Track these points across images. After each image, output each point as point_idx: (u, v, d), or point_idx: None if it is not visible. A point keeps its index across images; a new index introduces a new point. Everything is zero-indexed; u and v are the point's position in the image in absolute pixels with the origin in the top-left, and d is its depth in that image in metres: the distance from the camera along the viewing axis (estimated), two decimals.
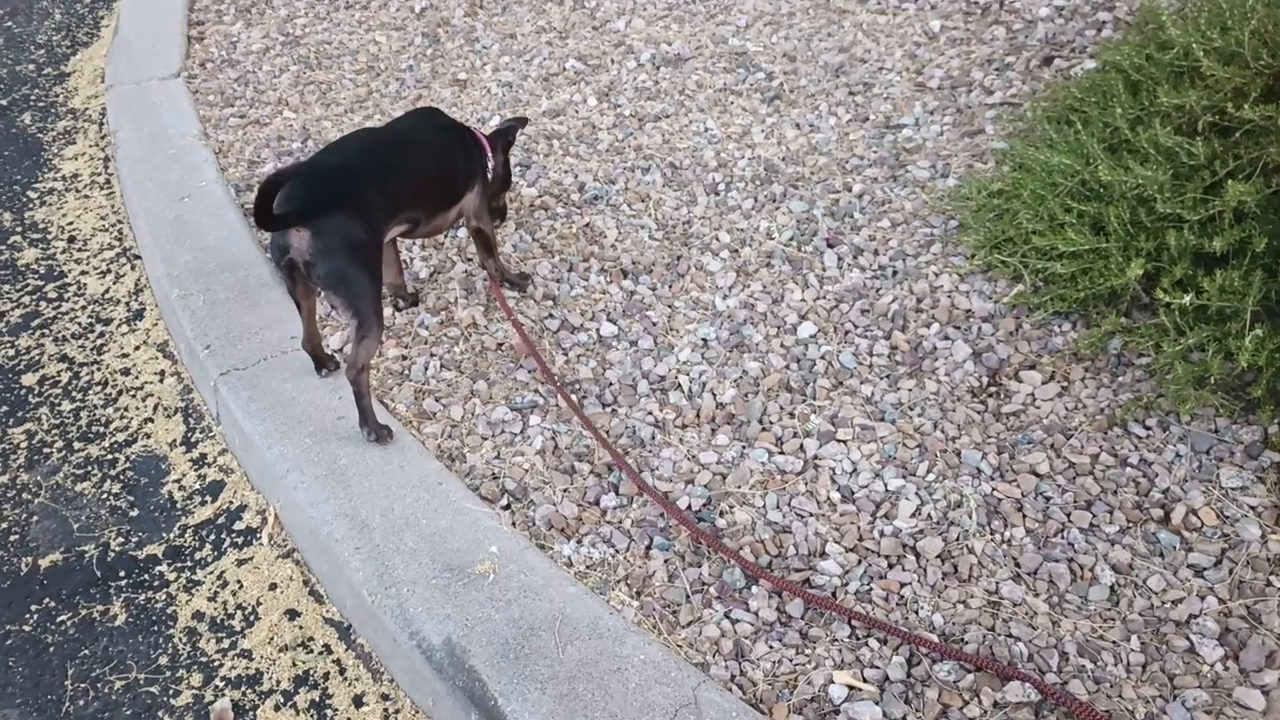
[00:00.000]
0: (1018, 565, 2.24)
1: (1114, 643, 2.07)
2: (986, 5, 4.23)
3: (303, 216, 2.40)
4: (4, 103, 4.86)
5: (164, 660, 2.37)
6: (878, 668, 2.07)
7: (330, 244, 2.41)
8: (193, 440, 2.96)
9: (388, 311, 3.11)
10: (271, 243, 2.50)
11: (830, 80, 4.01)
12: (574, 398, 2.75)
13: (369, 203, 2.51)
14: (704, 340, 2.91)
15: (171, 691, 2.30)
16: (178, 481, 2.83)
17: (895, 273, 3.05)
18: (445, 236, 3.41)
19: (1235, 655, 2.02)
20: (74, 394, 3.15)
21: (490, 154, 3.02)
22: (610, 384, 2.81)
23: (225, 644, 2.40)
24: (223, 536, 2.66)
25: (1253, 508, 2.27)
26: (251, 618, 2.46)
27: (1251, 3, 2.77)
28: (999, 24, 4.10)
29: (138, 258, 3.71)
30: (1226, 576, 2.15)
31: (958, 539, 2.31)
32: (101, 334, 3.39)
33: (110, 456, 2.92)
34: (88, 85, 4.96)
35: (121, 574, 2.59)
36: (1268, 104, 2.54)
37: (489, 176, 3.02)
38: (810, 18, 4.46)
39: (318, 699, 2.27)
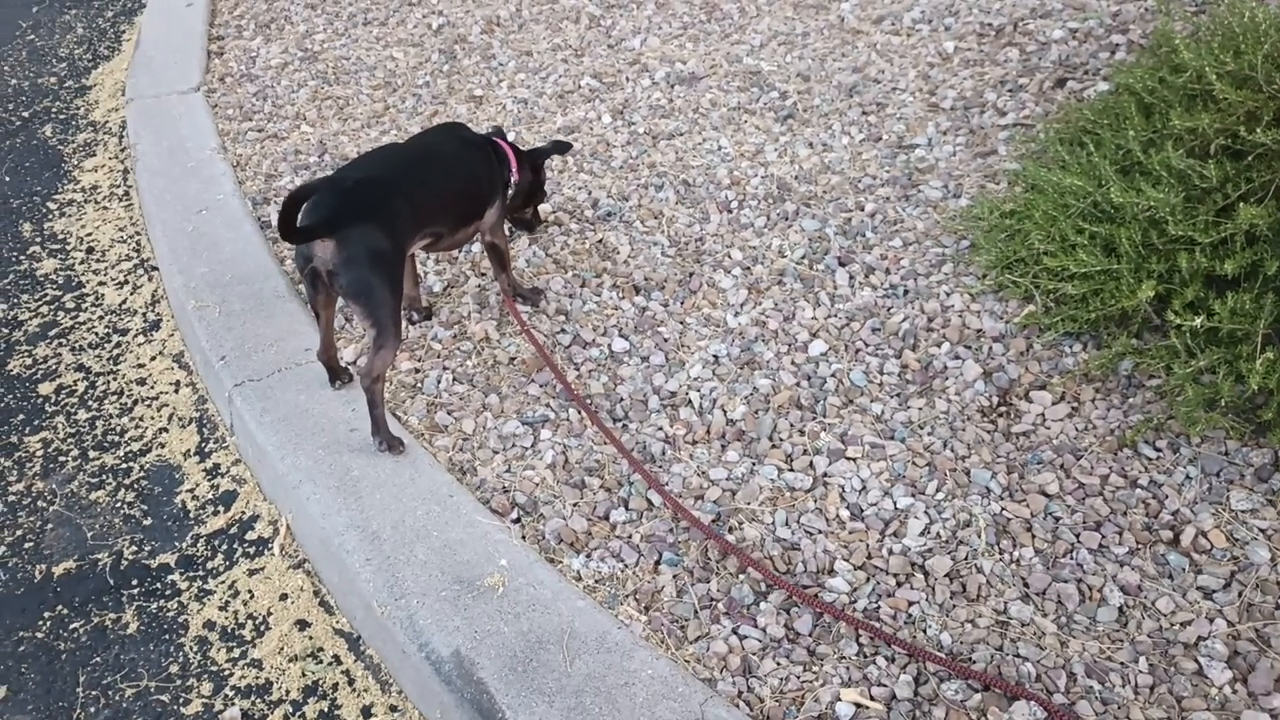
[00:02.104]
0: (1026, 585, 2.24)
1: (1122, 664, 2.06)
2: (1000, 27, 4.25)
3: (328, 228, 2.44)
4: (26, 115, 4.92)
5: (175, 669, 2.39)
6: (885, 686, 2.08)
7: (354, 254, 2.44)
8: (207, 450, 2.98)
9: (402, 324, 3.13)
10: (296, 252, 2.53)
11: (843, 100, 4.03)
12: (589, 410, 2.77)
13: (393, 215, 2.54)
14: (715, 357, 2.93)
15: (182, 700, 2.32)
16: (191, 491, 2.85)
17: (906, 292, 3.06)
18: (460, 251, 3.43)
19: (1244, 678, 2.02)
20: (90, 403, 3.18)
21: (515, 167, 3.04)
22: (621, 399, 2.82)
23: (235, 653, 2.41)
24: (234, 546, 2.68)
25: (1262, 530, 2.27)
26: (262, 628, 2.47)
27: (1265, 27, 2.78)
28: (1013, 46, 4.12)
29: (155, 269, 3.75)
30: (1235, 599, 2.15)
31: (966, 558, 2.31)
32: (118, 344, 3.42)
33: (125, 465, 2.95)
34: (108, 98, 5.02)
35: (134, 582, 2.61)
36: None
37: (510, 191, 3.04)
38: (824, 38, 4.49)
39: (326, 709, 2.28)
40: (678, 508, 2.44)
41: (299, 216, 2.39)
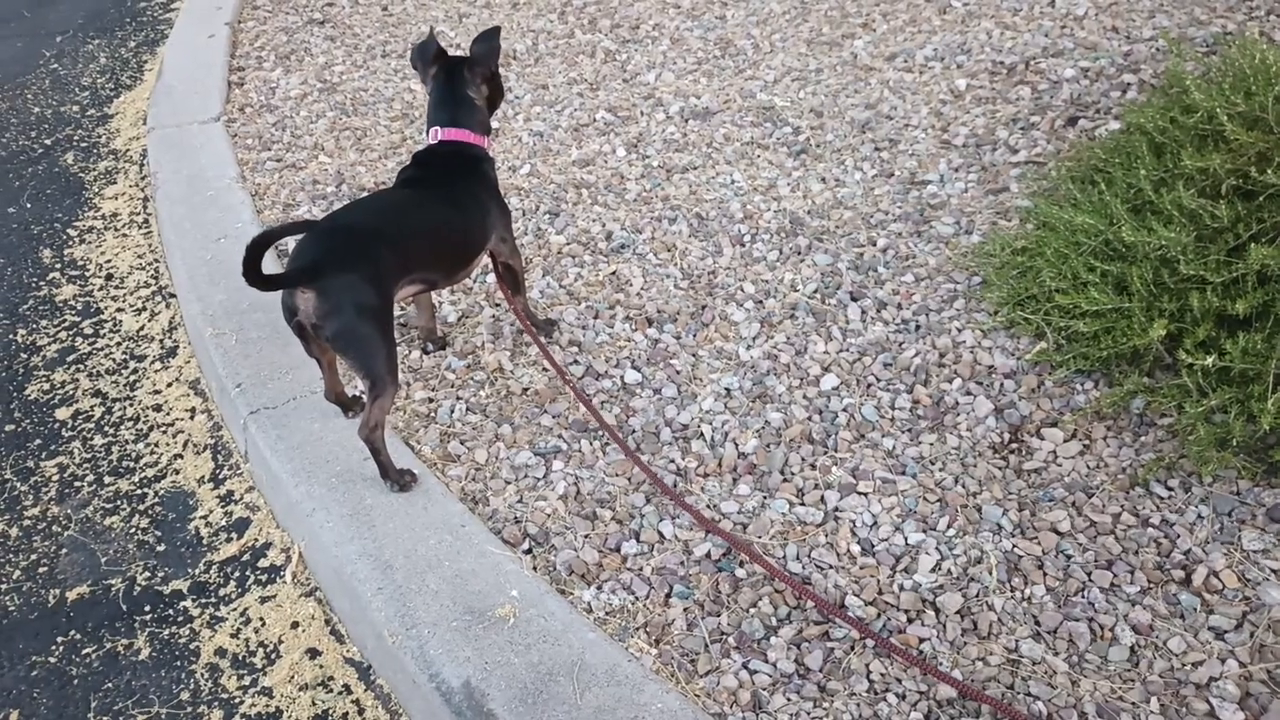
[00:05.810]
0: (1037, 623, 2.24)
1: (1133, 704, 2.06)
2: (1012, 65, 4.29)
3: (307, 277, 2.37)
4: (48, 142, 4.99)
5: (185, 695, 2.40)
6: None
7: (336, 306, 2.37)
8: (221, 477, 3.00)
9: (415, 355, 3.16)
10: (281, 302, 2.47)
11: (856, 136, 4.06)
12: (601, 442, 2.78)
13: (376, 263, 2.45)
14: (727, 390, 2.94)
15: None
16: (205, 518, 2.87)
17: (918, 327, 3.07)
18: (474, 281, 3.46)
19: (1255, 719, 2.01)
20: (106, 429, 3.20)
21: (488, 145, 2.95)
22: (633, 431, 2.83)
23: (246, 681, 2.42)
24: (247, 574, 2.70)
25: (1274, 571, 2.26)
26: (273, 655, 2.48)
27: (1275, 69, 2.81)
28: (1024, 84, 4.15)
29: (173, 296, 3.78)
30: (1247, 640, 2.14)
31: (978, 595, 2.31)
32: (135, 370, 3.45)
33: (140, 491, 2.97)
34: (130, 127, 5.08)
35: (147, 608, 2.62)
36: None
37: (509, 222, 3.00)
38: (838, 74, 4.53)
39: None
40: (707, 524, 2.44)
41: (287, 261, 2.31)
